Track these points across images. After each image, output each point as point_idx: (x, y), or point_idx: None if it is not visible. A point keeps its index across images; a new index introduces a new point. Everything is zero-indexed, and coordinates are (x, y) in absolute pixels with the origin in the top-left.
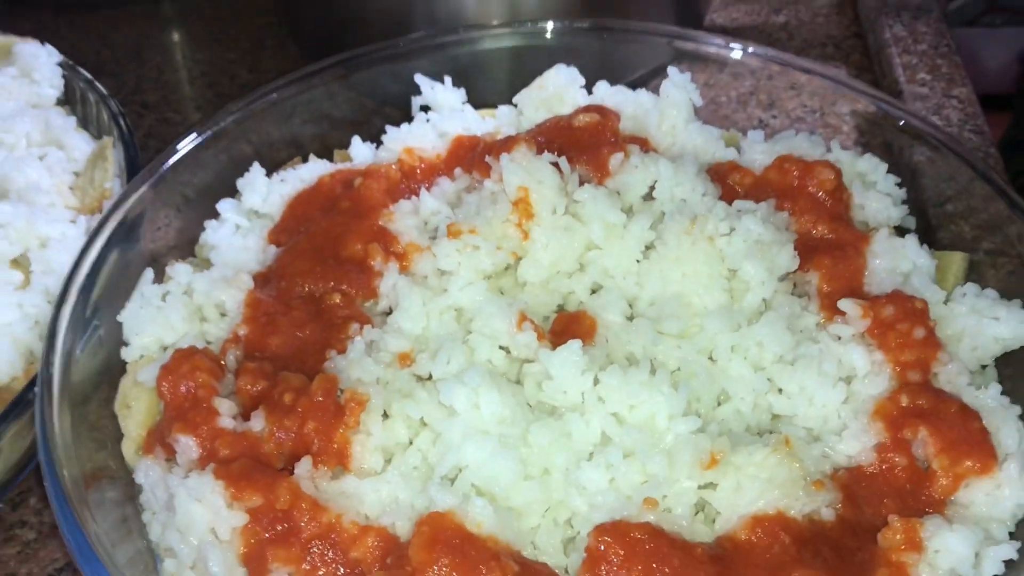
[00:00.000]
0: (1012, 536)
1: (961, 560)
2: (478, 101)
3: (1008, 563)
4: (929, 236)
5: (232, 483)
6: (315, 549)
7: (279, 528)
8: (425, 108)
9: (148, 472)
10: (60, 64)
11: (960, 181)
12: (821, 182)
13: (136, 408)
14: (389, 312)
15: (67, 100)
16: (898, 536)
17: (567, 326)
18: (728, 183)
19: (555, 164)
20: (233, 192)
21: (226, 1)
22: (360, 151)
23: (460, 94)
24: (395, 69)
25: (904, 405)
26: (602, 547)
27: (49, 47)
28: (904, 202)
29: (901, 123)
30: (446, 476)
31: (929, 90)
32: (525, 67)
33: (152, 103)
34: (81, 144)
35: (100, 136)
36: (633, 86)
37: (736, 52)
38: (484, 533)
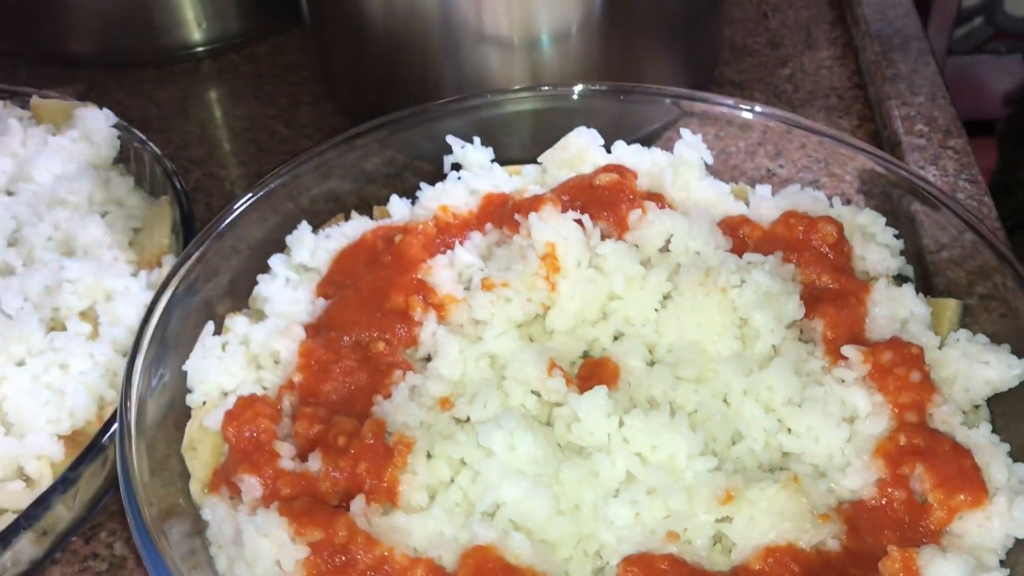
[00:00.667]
0: (1003, 564)
1: None
2: (504, 157)
3: None
4: (927, 281)
5: (295, 519)
6: None
7: (338, 560)
8: (456, 166)
9: (215, 509)
10: (115, 126)
11: (953, 231)
12: (824, 236)
13: (202, 450)
14: (429, 359)
15: (121, 159)
16: (896, 565)
17: (593, 371)
18: (739, 236)
19: (579, 221)
20: (281, 247)
21: (263, 60)
22: (398, 208)
23: (488, 152)
24: (428, 130)
25: (902, 444)
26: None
27: (107, 111)
28: (902, 252)
29: (895, 178)
30: (486, 512)
31: (927, 141)
32: (547, 125)
33: (198, 159)
34: (138, 202)
35: (153, 192)
36: (648, 138)
37: (744, 113)
38: (523, 564)
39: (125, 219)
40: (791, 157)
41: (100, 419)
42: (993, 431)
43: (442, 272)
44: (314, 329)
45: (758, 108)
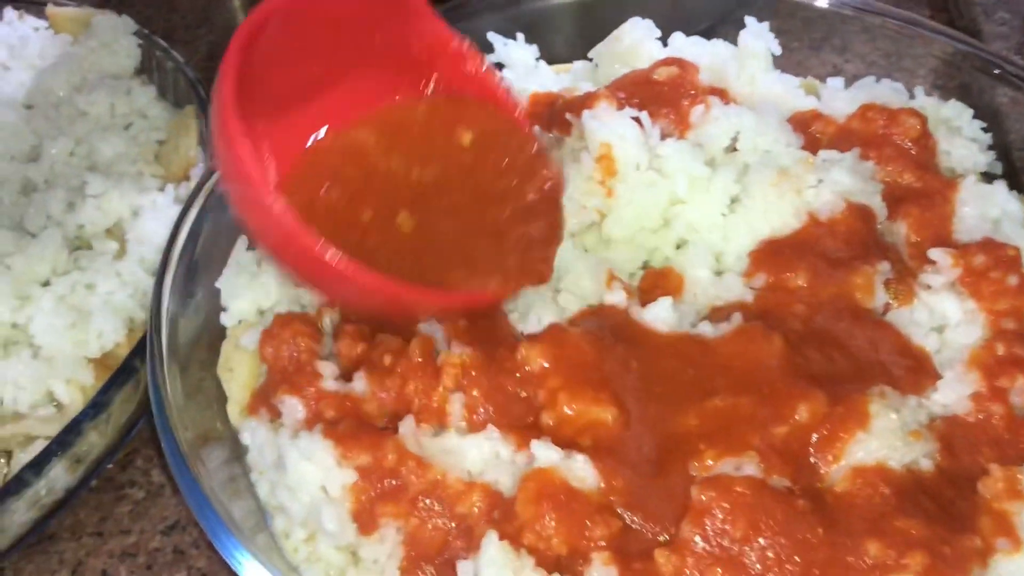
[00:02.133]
0: None
1: None
2: (550, 56)
3: None
4: (1014, 179)
5: (341, 443)
6: (423, 504)
7: (387, 484)
8: (499, 66)
9: (255, 433)
10: (136, 34)
11: None
12: (906, 130)
13: (239, 372)
14: None
15: (143, 69)
16: (999, 484)
17: (655, 282)
18: (810, 132)
19: (636, 119)
20: None
21: None
22: None
23: (533, 50)
24: (466, 27)
25: (1000, 354)
26: (706, 501)
27: (126, 18)
28: (990, 147)
29: (980, 63)
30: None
31: (1009, 28)
32: (595, 20)
33: None
34: (162, 113)
35: (178, 103)
36: (703, 34)
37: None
38: (587, 488)
39: (149, 131)
40: (859, 51)
41: (130, 341)
42: None
43: None
44: None
45: None
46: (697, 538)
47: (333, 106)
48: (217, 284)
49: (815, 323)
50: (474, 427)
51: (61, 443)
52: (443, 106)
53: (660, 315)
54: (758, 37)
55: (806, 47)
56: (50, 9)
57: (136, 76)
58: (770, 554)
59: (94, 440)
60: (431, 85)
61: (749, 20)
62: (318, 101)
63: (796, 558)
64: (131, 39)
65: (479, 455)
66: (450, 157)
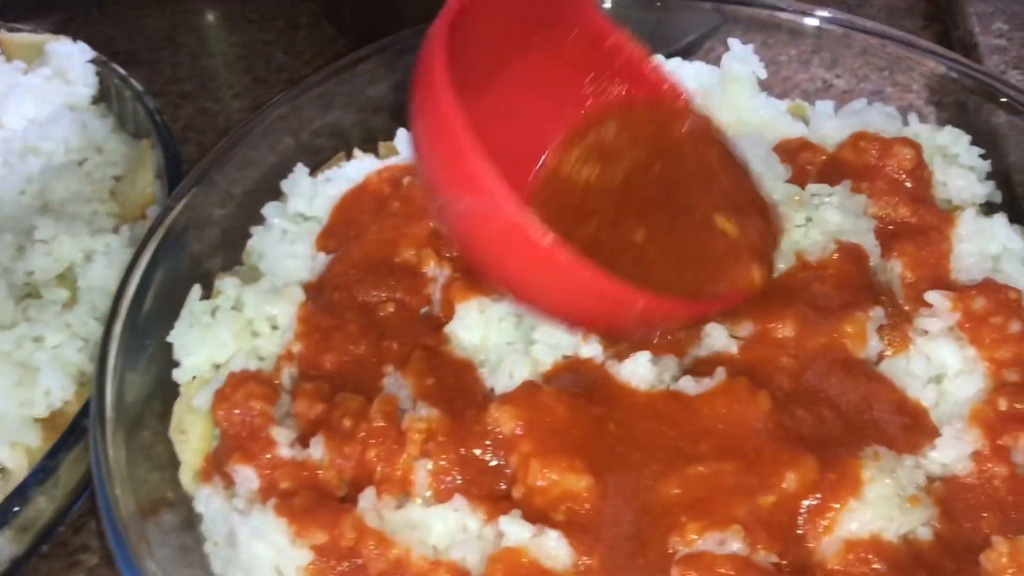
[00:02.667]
0: None
1: None
2: None
3: None
4: (1014, 206)
5: (295, 520)
6: None
7: (346, 565)
8: None
9: (208, 502)
10: (93, 61)
11: None
12: (900, 161)
13: (192, 434)
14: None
15: (102, 98)
16: (1003, 559)
17: None
18: (799, 162)
19: None
20: (277, 193)
21: None
22: (406, 143)
23: None
24: None
25: (1002, 409)
26: None
27: (81, 44)
28: (989, 175)
29: (973, 84)
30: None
31: (1007, 41)
32: None
33: (189, 92)
34: (119, 146)
35: (138, 134)
36: (687, 50)
37: (795, 16)
38: (559, 568)
39: (104, 167)
40: (849, 66)
41: (80, 398)
42: None
43: None
44: (315, 289)
45: (811, 10)
46: None
47: (526, 112)
48: (169, 338)
49: (804, 378)
50: (441, 497)
51: (5, 513)
52: (639, 111)
53: (638, 371)
54: (743, 61)
55: (795, 61)
56: (2, 36)
57: (94, 105)
58: None
59: (42, 505)
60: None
61: (733, 43)
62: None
63: None
64: (87, 67)
65: (445, 529)
66: (655, 162)
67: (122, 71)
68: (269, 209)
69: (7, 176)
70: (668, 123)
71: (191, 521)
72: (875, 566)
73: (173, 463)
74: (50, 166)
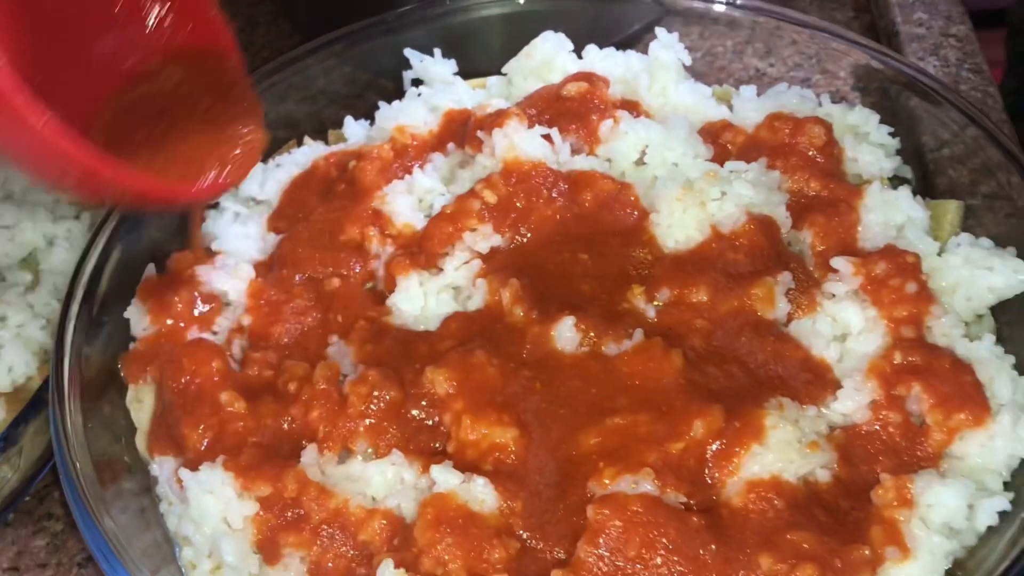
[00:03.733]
0: (1007, 487)
1: (954, 513)
2: (472, 70)
3: (1002, 514)
4: (927, 182)
5: (241, 474)
6: (325, 533)
7: (289, 515)
8: (417, 82)
9: (162, 465)
10: None
11: (954, 126)
12: (812, 138)
13: (147, 402)
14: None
15: None
16: (890, 493)
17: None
18: (720, 143)
19: (547, 136)
20: None
21: None
22: (354, 130)
23: (451, 65)
24: (387, 42)
25: (897, 362)
26: (600, 519)
27: None
28: (898, 152)
29: (893, 72)
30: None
31: (926, 30)
32: (517, 33)
33: None
34: None
35: None
36: (628, 42)
37: (730, 9)
38: (486, 511)
39: None
40: (781, 55)
41: (42, 374)
42: (997, 342)
43: (399, 199)
44: (265, 267)
45: (745, 3)
46: (592, 557)
47: None
48: (125, 314)
49: (716, 339)
50: (380, 454)
51: None
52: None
53: (564, 334)
54: (668, 48)
55: (730, 52)
56: None
57: None
58: (664, 571)
59: (6, 474)
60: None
61: (660, 31)
62: None
63: (690, 575)
64: None
65: (383, 481)
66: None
67: None
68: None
69: None
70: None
71: (148, 486)
72: (775, 503)
73: (131, 431)
74: None
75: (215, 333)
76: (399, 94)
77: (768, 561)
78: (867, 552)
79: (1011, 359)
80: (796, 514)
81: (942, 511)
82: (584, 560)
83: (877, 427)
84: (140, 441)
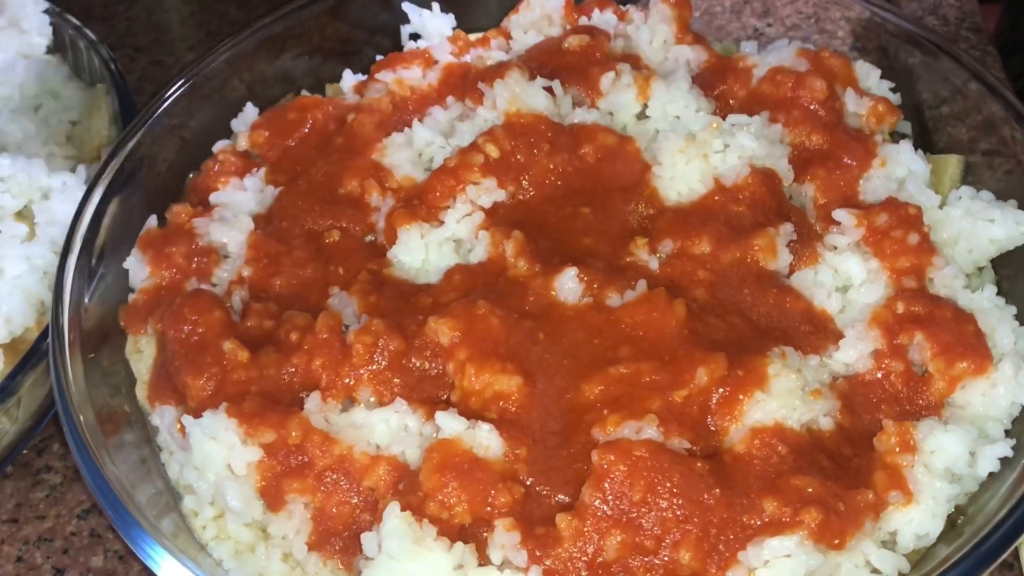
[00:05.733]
0: (1008, 434)
1: (956, 459)
2: (468, 26)
3: (1003, 460)
4: (925, 139)
5: (245, 420)
6: (329, 479)
7: (293, 461)
8: (415, 36)
9: (163, 414)
10: (48, 11)
11: (954, 82)
12: (813, 93)
13: (147, 352)
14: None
15: (57, 48)
16: (893, 439)
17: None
18: (722, 93)
19: (548, 88)
20: (226, 132)
21: None
22: (351, 84)
23: (449, 20)
24: None
25: (900, 312)
26: (605, 464)
27: None
28: (899, 107)
29: (894, 28)
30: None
31: None
32: None
33: (144, 46)
34: (75, 93)
35: (93, 83)
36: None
37: None
38: (491, 457)
39: (60, 112)
40: (780, 15)
41: (40, 325)
42: (998, 293)
43: (399, 152)
44: (264, 220)
45: None
46: (597, 501)
47: None
48: (125, 265)
49: (718, 290)
50: (383, 402)
51: None
52: None
53: (566, 285)
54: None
55: (728, 11)
56: None
57: (48, 55)
58: (668, 515)
59: (4, 426)
60: None
61: None
62: None
63: (694, 519)
64: (42, 17)
65: (387, 428)
66: None
67: (76, 21)
68: (219, 146)
69: None
70: None
71: (148, 436)
72: (779, 449)
73: (131, 381)
74: (6, 110)
75: (214, 285)
76: (398, 50)
77: (772, 505)
78: (871, 496)
79: (1012, 310)
80: (799, 460)
81: (945, 457)
82: (589, 504)
83: (879, 376)
84: (140, 391)
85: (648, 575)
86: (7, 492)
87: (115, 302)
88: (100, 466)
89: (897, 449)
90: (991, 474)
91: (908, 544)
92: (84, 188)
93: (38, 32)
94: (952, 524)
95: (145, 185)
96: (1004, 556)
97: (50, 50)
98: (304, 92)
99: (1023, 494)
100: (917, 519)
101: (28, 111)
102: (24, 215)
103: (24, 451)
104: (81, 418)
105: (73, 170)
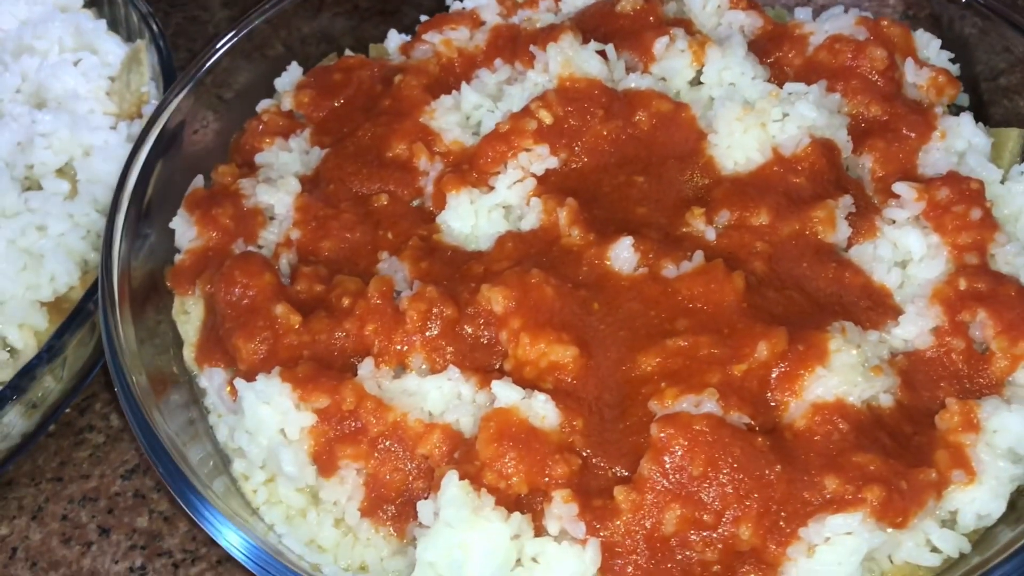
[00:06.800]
0: None
1: (1019, 439)
2: None
3: None
4: (982, 112)
5: (299, 385)
6: (382, 446)
7: (347, 427)
8: None
9: (212, 376)
10: None
11: (1015, 53)
12: (873, 62)
13: (195, 314)
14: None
15: (93, 2)
16: (955, 418)
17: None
18: (777, 60)
19: (601, 52)
20: (269, 92)
21: None
22: (397, 45)
23: None
24: None
25: (962, 288)
26: (664, 437)
27: None
28: (958, 78)
29: None
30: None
31: None
32: None
33: (178, 1)
34: (113, 47)
35: (130, 38)
36: None
37: None
38: (548, 428)
39: (100, 67)
40: None
41: (84, 284)
42: None
43: (447, 115)
44: (310, 182)
45: None
46: (656, 475)
47: None
48: (171, 225)
49: (777, 263)
50: (436, 370)
51: (15, 388)
52: None
53: (621, 255)
54: None
55: None
56: None
57: (86, 9)
58: (729, 491)
59: (49, 385)
60: None
61: None
62: None
63: (755, 494)
64: None
65: (440, 396)
66: None
67: None
68: (263, 105)
69: (2, 74)
70: None
71: (195, 397)
72: (840, 426)
73: (178, 342)
74: (46, 64)
75: (260, 247)
76: (435, 10)
77: (834, 482)
78: (933, 475)
79: None
80: (861, 437)
81: (1008, 436)
82: (648, 477)
83: (940, 353)
84: (188, 352)
85: (707, 549)
86: (51, 451)
87: (160, 262)
88: (153, 425)
89: (960, 428)
90: None
91: (969, 524)
92: (125, 145)
93: None
94: (1013, 506)
95: (188, 145)
96: None
97: (87, 3)
98: (348, 52)
99: None
100: (979, 499)
101: (67, 65)
102: (65, 172)
103: (67, 410)
104: (134, 378)
105: (113, 127)
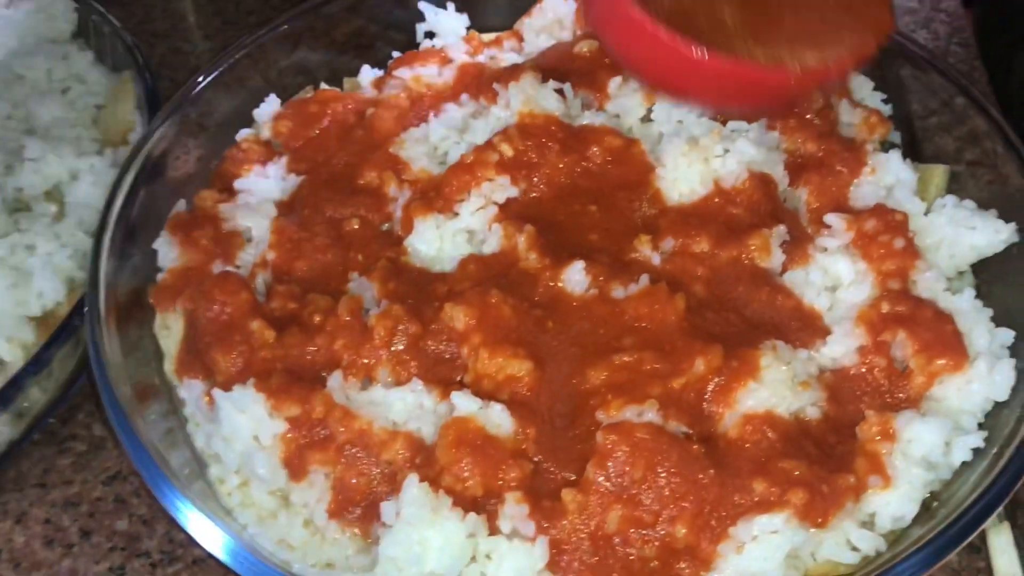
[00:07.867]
0: (980, 427)
1: (932, 448)
2: (480, 24)
3: (976, 451)
4: (915, 148)
5: (272, 395)
6: (349, 452)
7: (316, 434)
8: (430, 34)
9: (191, 387)
10: None
11: (942, 96)
12: (810, 103)
13: (175, 329)
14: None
15: (80, 33)
16: (874, 428)
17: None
18: None
19: (559, 91)
20: (248, 122)
21: None
22: (369, 79)
23: (463, 19)
24: None
25: (885, 311)
26: (609, 444)
27: None
28: (890, 118)
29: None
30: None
31: (919, 3)
32: None
33: (161, 32)
34: (100, 78)
35: (115, 68)
36: None
37: None
38: (502, 435)
39: (87, 96)
40: None
41: (71, 301)
42: (977, 296)
43: (416, 146)
44: (287, 207)
45: None
46: (600, 478)
47: None
48: (154, 246)
49: (715, 286)
50: (401, 381)
51: (3, 398)
52: None
53: (574, 277)
54: None
55: None
56: None
57: (73, 41)
58: (666, 493)
59: (36, 395)
60: None
61: None
62: None
63: (690, 496)
64: (67, 3)
65: (404, 406)
66: None
67: (100, 7)
68: (243, 134)
69: None
70: None
71: (174, 407)
72: (769, 435)
73: (158, 356)
74: (35, 94)
75: (238, 267)
76: (408, 46)
77: (762, 485)
78: (852, 480)
79: (989, 312)
80: (787, 445)
81: (921, 446)
82: (592, 480)
83: (863, 370)
84: (168, 365)
85: (646, 547)
86: (34, 458)
87: (143, 281)
88: (137, 434)
89: (878, 437)
90: (964, 463)
91: (885, 525)
92: (111, 170)
93: (63, 18)
94: (927, 508)
95: (171, 171)
96: (971, 538)
97: (74, 35)
98: (323, 85)
99: (992, 482)
100: (894, 502)
101: (56, 94)
102: (52, 195)
103: (50, 420)
104: (119, 388)
105: (99, 153)
